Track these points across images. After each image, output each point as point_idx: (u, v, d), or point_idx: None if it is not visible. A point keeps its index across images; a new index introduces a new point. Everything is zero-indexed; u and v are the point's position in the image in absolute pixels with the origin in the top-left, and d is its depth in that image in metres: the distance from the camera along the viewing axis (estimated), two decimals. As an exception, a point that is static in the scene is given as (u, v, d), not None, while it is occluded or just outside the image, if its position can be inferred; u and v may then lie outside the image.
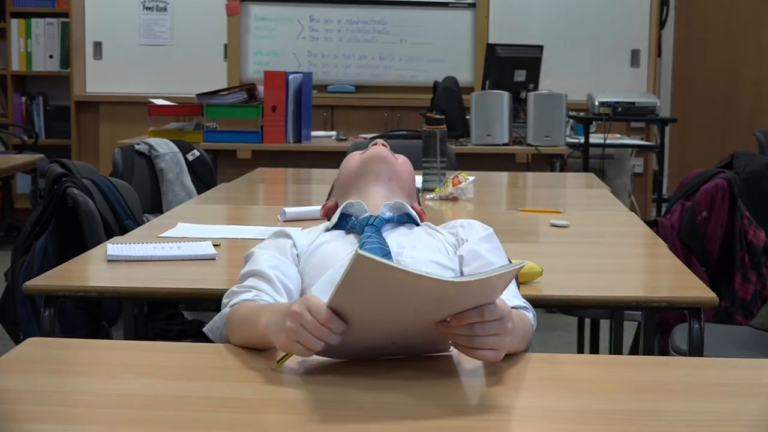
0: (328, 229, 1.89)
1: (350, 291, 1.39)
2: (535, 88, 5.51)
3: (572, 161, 5.91)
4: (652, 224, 3.23)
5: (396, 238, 1.82)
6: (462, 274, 1.79)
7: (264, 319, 1.53)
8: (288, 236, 1.83)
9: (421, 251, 1.79)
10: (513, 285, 1.75)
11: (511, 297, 1.69)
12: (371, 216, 1.85)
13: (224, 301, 1.73)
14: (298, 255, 1.81)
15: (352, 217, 1.88)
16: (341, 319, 1.42)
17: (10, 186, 6.70)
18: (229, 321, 1.66)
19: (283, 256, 1.78)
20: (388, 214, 1.88)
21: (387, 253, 1.74)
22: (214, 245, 2.49)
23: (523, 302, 1.73)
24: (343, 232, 1.87)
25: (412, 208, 1.94)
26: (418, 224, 1.92)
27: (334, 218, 1.90)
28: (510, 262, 1.87)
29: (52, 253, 3.00)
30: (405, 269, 1.37)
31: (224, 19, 6.91)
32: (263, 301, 1.67)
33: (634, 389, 1.48)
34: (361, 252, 1.35)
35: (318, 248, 1.81)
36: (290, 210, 2.96)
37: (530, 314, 1.72)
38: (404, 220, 1.91)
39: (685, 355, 2.42)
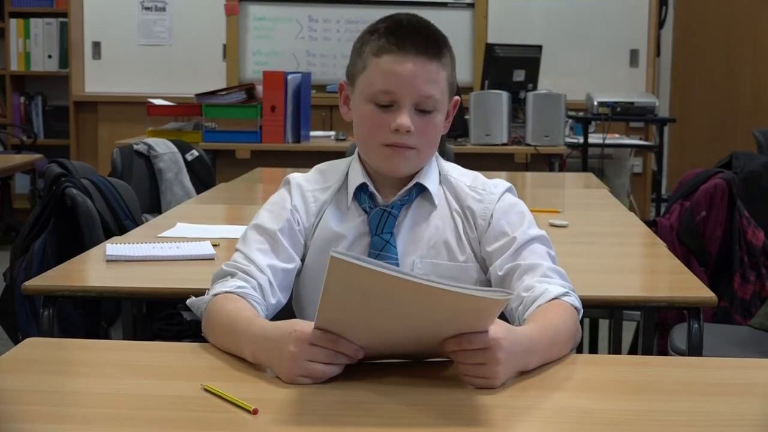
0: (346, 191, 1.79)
1: (333, 303, 1.38)
2: (534, 88, 5.51)
3: (571, 161, 5.91)
4: (651, 224, 3.24)
5: (404, 238, 1.75)
6: (476, 259, 1.76)
7: (247, 346, 1.50)
8: (292, 208, 1.77)
9: (425, 252, 1.74)
10: (554, 271, 1.69)
11: (557, 286, 1.65)
12: (383, 211, 1.75)
13: (213, 277, 1.71)
14: (303, 227, 1.77)
15: (367, 197, 1.77)
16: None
17: (9, 186, 6.70)
18: (208, 317, 1.62)
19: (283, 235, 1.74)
20: (400, 200, 1.77)
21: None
22: (213, 245, 2.49)
23: (563, 290, 1.65)
24: (359, 211, 1.77)
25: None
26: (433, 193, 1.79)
27: (351, 190, 1.77)
28: (538, 229, 1.76)
29: (50, 253, 3.00)
30: (380, 270, 1.33)
31: (223, 19, 6.92)
32: (247, 296, 1.63)
33: (633, 389, 1.48)
34: (336, 255, 1.32)
35: (325, 237, 1.75)
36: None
37: (572, 298, 1.65)
38: (418, 192, 1.78)
39: (684, 355, 2.42)
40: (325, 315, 1.41)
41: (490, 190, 1.79)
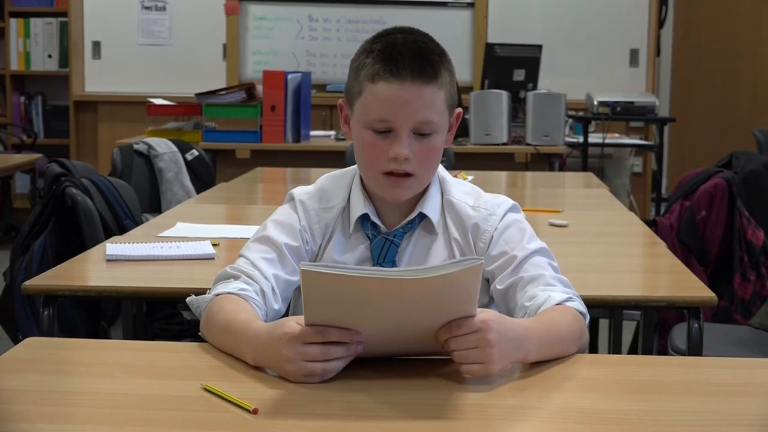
0: (349, 222, 1.78)
1: (317, 308, 1.40)
2: (534, 87, 5.51)
3: (571, 161, 5.92)
4: (651, 224, 3.24)
5: (406, 266, 1.74)
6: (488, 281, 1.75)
7: (248, 352, 1.51)
8: (297, 235, 1.76)
9: None
10: (557, 279, 1.69)
11: (560, 293, 1.65)
12: (385, 240, 1.76)
13: (216, 278, 1.71)
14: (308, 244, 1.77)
15: (369, 224, 1.77)
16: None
17: (9, 186, 6.70)
18: (208, 317, 1.62)
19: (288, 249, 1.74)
20: (402, 228, 1.77)
21: None
22: (213, 245, 2.49)
23: (566, 295, 1.65)
24: (361, 238, 1.78)
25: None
26: (433, 220, 1.77)
27: (353, 218, 1.77)
28: (538, 242, 1.75)
29: (50, 252, 3.01)
30: (350, 274, 1.35)
31: (223, 19, 6.91)
32: (248, 298, 1.64)
33: (632, 389, 1.48)
34: (305, 268, 1.34)
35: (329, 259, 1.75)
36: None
37: (576, 303, 1.64)
38: (421, 220, 1.77)
39: (684, 355, 2.42)
40: (312, 320, 1.42)
41: (493, 211, 1.77)
